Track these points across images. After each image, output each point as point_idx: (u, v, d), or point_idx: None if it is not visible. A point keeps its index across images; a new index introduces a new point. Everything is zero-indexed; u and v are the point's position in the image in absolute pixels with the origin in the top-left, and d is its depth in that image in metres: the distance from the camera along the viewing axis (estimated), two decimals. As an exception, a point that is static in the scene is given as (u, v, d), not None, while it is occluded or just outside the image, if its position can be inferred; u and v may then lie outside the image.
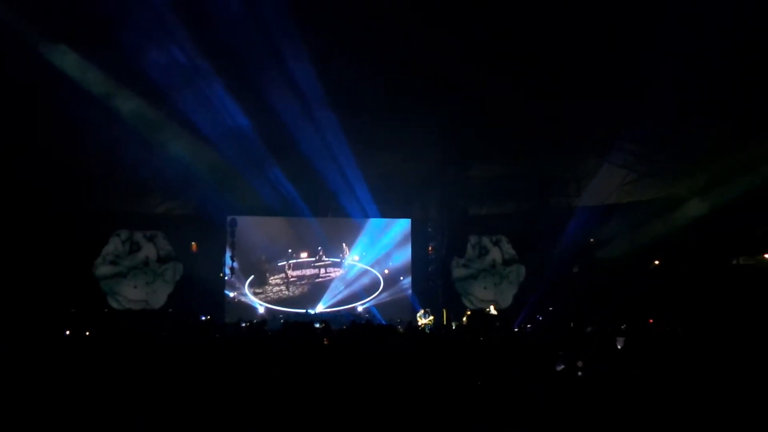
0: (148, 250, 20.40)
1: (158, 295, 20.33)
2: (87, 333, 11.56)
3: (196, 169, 18.12)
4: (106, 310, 19.43)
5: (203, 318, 18.09)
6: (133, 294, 20.07)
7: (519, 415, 4.83)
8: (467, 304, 21.43)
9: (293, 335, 8.71)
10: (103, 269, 19.96)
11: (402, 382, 5.42)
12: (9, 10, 13.85)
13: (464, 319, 18.63)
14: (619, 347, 7.37)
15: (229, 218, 20.86)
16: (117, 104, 16.24)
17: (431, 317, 18.85)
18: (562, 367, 5.72)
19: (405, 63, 15.10)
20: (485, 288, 21.92)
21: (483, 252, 22.04)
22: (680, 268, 18.52)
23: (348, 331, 11.06)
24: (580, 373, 5.57)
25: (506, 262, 22.09)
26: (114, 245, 20.22)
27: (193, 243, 20.77)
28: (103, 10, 13.38)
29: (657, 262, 19.76)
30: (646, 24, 13.06)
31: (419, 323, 18.20)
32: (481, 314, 18.98)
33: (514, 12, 13.48)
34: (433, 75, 15.46)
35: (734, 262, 18.73)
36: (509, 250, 22.13)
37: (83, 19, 13.74)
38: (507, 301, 21.69)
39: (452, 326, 16.93)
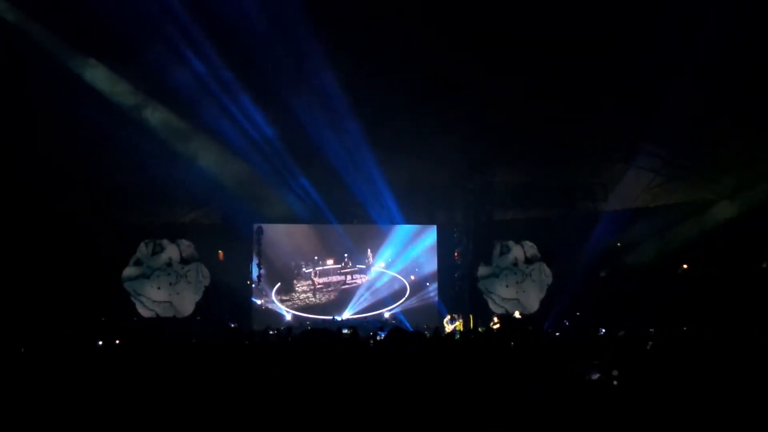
0: (171, 252, 20.41)
1: (182, 297, 20.35)
2: (117, 342, 11.71)
3: (222, 179, 18.26)
4: (135, 318, 19.60)
5: (232, 325, 18.17)
6: (157, 295, 20.15)
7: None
8: (490, 304, 21.33)
9: (318, 341, 8.73)
10: (127, 271, 20.07)
11: (419, 384, 5.43)
12: (41, 27, 14.13)
13: (491, 324, 18.60)
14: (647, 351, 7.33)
15: (255, 226, 20.97)
16: (145, 116, 16.44)
17: (459, 322, 18.82)
18: (597, 375, 5.69)
19: (429, 69, 15.11)
20: (507, 286, 21.71)
21: (504, 250, 21.87)
22: (709, 272, 18.37)
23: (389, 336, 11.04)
24: (615, 383, 5.53)
25: (528, 260, 21.91)
26: (138, 248, 20.42)
27: (219, 251, 20.91)
28: (132, 25, 13.56)
29: (685, 266, 19.62)
30: (673, 26, 12.98)
31: (446, 329, 18.18)
32: (511, 319, 18.94)
33: (538, 16, 13.46)
34: (458, 81, 15.47)
35: (764, 265, 18.55)
36: (531, 248, 21.97)
37: (112, 33, 13.91)
38: (530, 300, 21.48)
39: (479, 331, 16.90)
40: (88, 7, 13.08)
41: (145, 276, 20.19)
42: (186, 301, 20.39)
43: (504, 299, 21.53)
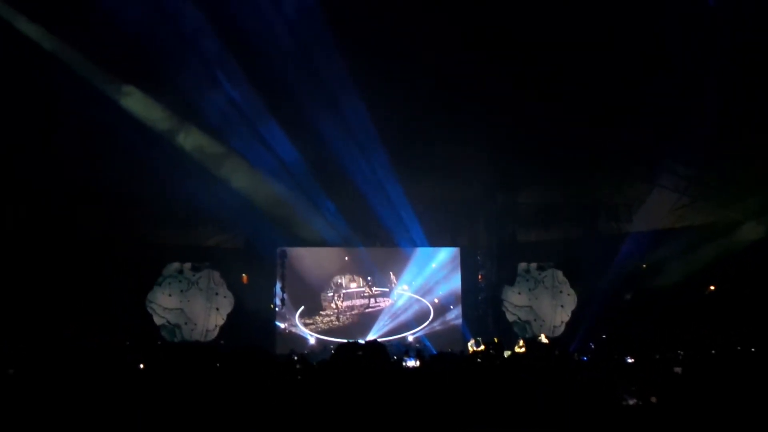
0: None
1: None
2: (141, 365, 11.71)
3: (247, 202, 18.33)
4: (159, 342, 19.64)
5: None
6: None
7: None
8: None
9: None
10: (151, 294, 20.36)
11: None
12: (79, 55, 14.42)
13: (516, 347, 18.44)
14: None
15: (279, 250, 21.02)
16: (174, 139, 16.62)
17: (483, 346, 18.69)
18: (634, 401, 5.62)
19: (452, 91, 15.15)
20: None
21: (516, 258, 21.97)
22: (736, 294, 18.14)
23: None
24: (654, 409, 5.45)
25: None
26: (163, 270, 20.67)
27: (243, 275, 20.96)
28: (165, 52, 13.81)
29: (712, 288, 19.40)
30: (698, 43, 12.96)
31: (470, 352, 18.05)
32: (536, 343, 18.79)
33: (562, 34, 13.48)
34: (482, 102, 15.49)
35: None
36: (543, 255, 22.04)
37: (146, 60, 14.16)
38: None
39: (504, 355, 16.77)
40: (121, 33, 13.32)
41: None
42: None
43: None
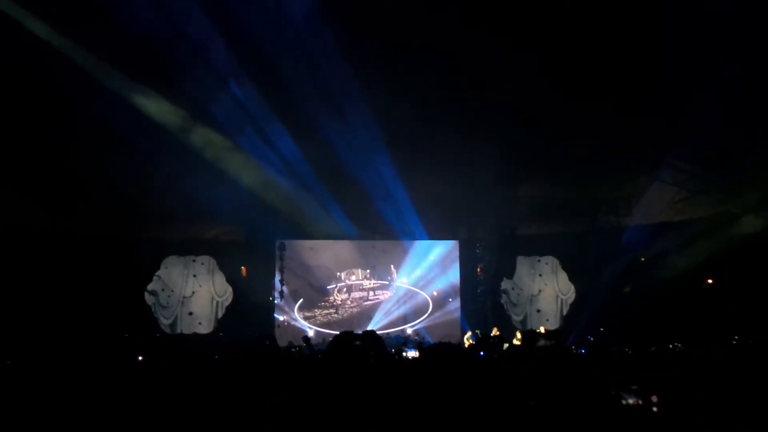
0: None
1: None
2: (140, 357, 11.72)
3: (246, 195, 18.33)
4: (157, 335, 19.67)
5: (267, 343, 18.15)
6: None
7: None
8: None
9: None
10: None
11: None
12: (77, 48, 14.42)
13: (514, 339, 18.47)
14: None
15: (278, 242, 21.05)
16: (177, 135, 16.63)
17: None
18: (635, 400, 5.60)
19: (452, 84, 15.12)
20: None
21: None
22: (734, 287, 18.16)
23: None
24: (655, 409, 5.43)
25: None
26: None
27: (242, 268, 20.99)
28: (169, 48, 13.86)
29: (710, 281, 19.42)
30: (697, 35, 12.94)
31: (466, 345, 18.07)
32: (534, 334, 18.82)
33: (562, 24, 13.46)
34: (481, 96, 15.48)
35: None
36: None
37: (151, 56, 14.20)
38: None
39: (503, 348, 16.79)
40: (123, 28, 13.35)
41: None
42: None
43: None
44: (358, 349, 6.28)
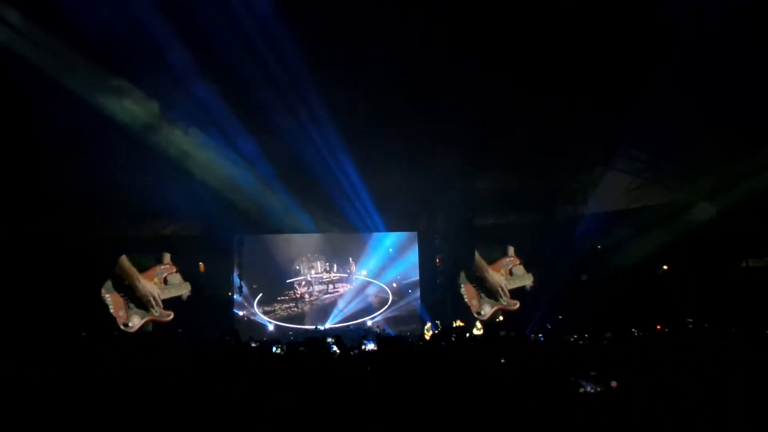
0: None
1: None
2: (99, 355, 11.59)
3: (203, 190, 18.15)
4: (115, 333, 19.42)
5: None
6: None
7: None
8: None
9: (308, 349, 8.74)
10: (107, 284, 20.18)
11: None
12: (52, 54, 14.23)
13: (474, 330, 18.59)
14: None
15: (235, 237, 20.91)
16: (133, 133, 16.42)
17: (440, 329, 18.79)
18: (595, 387, 5.67)
19: (409, 76, 15.16)
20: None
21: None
22: (689, 272, 18.48)
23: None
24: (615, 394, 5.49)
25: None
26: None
27: (200, 264, 20.79)
28: (136, 56, 13.79)
29: (665, 267, 19.72)
30: (651, 29, 13.12)
31: (427, 336, 18.14)
32: (494, 324, 18.97)
33: (513, 19, 13.57)
34: (438, 88, 15.54)
35: (743, 264, 18.69)
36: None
37: (110, 55, 14.08)
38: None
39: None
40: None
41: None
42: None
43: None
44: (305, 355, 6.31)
